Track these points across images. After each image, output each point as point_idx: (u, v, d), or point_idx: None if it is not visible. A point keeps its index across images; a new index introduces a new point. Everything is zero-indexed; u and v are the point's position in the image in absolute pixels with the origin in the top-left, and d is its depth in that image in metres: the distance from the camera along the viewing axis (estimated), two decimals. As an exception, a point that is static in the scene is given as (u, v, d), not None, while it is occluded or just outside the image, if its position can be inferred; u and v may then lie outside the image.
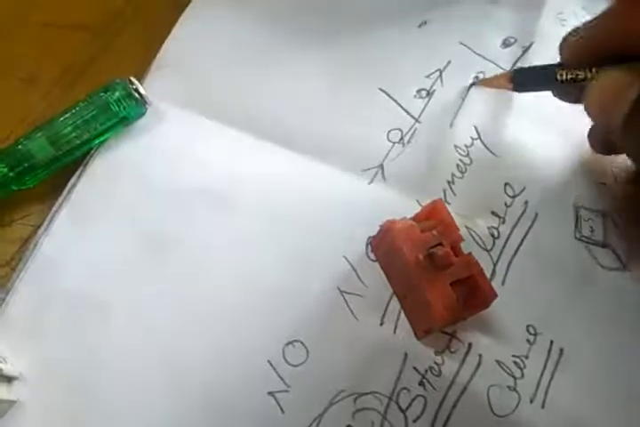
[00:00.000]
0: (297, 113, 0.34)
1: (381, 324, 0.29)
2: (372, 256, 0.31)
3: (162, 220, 0.31)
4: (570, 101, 0.30)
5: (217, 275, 0.30)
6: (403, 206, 0.31)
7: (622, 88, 0.25)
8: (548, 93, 0.31)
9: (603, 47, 0.27)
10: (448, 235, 0.28)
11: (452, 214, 0.29)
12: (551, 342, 0.29)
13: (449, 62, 0.36)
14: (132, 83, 0.32)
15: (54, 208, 0.31)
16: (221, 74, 0.35)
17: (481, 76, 0.35)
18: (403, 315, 0.29)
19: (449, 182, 0.33)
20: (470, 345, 0.29)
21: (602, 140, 0.31)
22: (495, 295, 0.27)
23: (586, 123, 0.30)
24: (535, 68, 0.31)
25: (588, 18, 0.27)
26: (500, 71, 0.35)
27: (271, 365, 0.28)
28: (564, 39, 0.28)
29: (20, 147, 0.31)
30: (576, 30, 0.28)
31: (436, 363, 0.29)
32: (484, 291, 0.27)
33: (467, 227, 0.31)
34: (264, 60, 0.36)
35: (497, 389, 0.28)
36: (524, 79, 0.31)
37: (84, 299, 0.29)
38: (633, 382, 0.29)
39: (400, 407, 0.28)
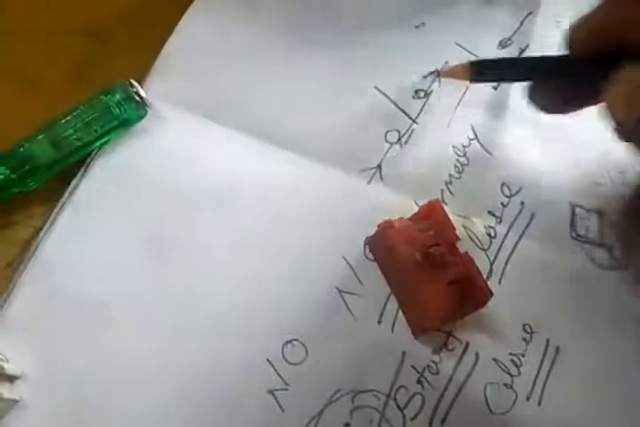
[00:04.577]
0: (296, 114, 0.34)
1: (379, 323, 0.30)
2: (370, 256, 0.31)
3: (162, 221, 0.31)
4: (544, 103, 0.28)
5: (217, 275, 0.30)
6: (400, 206, 0.31)
7: None
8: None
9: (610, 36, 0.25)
10: (445, 235, 0.28)
11: (449, 214, 0.29)
12: (547, 340, 0.29)
13: (446, 63, 0.36)
14: (132, 85, 0.32)
15: (56, 210, 0.31)
16: (221, 76, 0.35)
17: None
18: (400, 314, 0.30)
19: (446, 182, 0.33)
20: (467, 343, 0.29)
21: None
22: (491, 295, 0.27)
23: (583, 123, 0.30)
24: (501, 59, 0.29)
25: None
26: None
27: (271, 363, 0.29)
28: (574, 25, 0.26)
29: (21, 149, 0.31)
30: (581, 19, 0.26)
31: (433, 361, 0.29)
32: (481, 290, 0.27)
33: (464, 226, 0.31)
34: (263, 62, 0.36)
35: (494, 386, 0.29)
36: (484, 70, 0.28)
37: (86, 300, 0.30)
38: (628, 380, 0.29)
39: (398, 405, 0.28)
